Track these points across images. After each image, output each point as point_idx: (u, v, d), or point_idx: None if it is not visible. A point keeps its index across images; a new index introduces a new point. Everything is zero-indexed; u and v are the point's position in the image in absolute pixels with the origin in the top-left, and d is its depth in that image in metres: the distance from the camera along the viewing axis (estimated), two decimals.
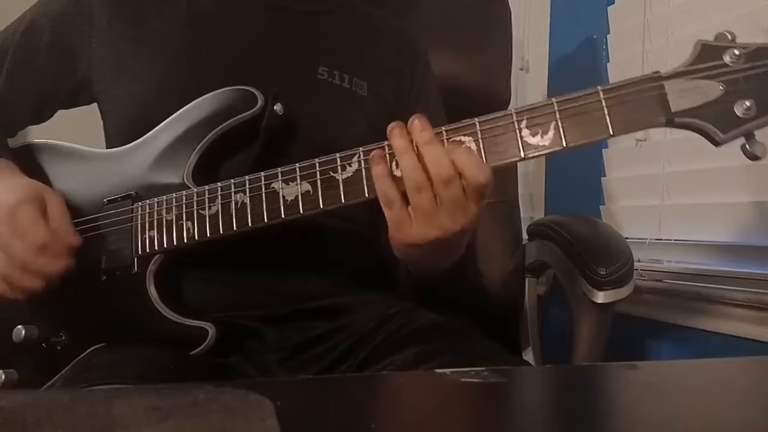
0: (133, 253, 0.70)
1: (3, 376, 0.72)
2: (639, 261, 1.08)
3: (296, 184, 0.64)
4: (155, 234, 0.70)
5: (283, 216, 0.65)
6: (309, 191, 0.64)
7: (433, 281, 0.76)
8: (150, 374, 0.61)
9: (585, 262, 0.91)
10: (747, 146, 0.56)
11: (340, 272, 0.76)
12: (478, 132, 0.60)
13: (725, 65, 0.55)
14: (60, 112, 0.86)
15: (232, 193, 0.67)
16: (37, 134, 0.85)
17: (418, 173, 0.58)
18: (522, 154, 0.59)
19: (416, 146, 0.59)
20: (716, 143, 0.57)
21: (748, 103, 0.55)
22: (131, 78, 0.77)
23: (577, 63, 1.45)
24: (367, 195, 0.62)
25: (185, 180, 0.70)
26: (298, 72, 0.79)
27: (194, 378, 0.64)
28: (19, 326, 0.71)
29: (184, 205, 0.69)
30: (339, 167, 0.63)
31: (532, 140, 0.59)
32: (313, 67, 0.79)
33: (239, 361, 0.72)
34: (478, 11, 1.21)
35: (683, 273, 1.03)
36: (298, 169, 0.65)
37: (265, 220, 0.65)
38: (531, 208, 1.60)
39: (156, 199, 0.71)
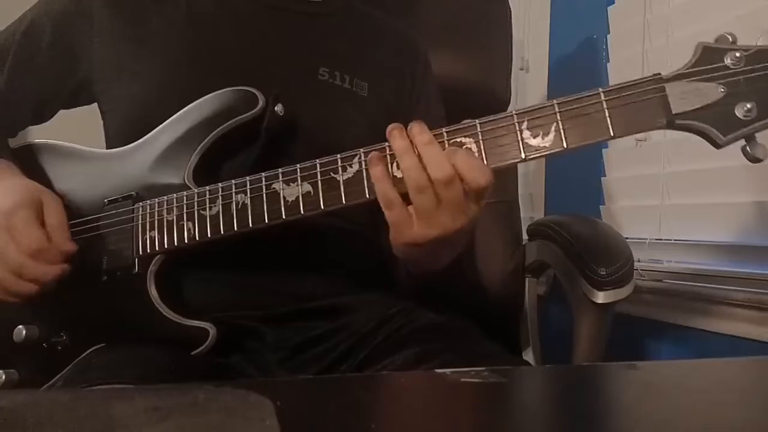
0: (134, 253, 0.71)
1: (3, 376, 0.72)
2: (639, 261, 1.08)
3: (297, 185, 0.64)
4: (156, 234, 0.70)
5: (283, 217, 0.65)
6: (310, 192, 0.64)
7: (432, 279, 0.76)
8: (150, 374, 0.61)
9: (585, 262, 0.91)
10: (748, 148, 0.56)
11: (340, 272, 0.76)
12: (479, 133, 0.60)
13: (726, 67, 0.55)
14: (60, 112, 0.86)
15: (233, 194, 0.67)
16: (37, 134, 0.85)
17: (419, 174, 0.58)
18: (523, 156, 0.59)
19: (416, 148, 0.59)
20: (717, 145, 0.57)
21: (749, 106, 0.55)
22: (131, 78, 0.77)
23: (577, 63, 1.45)
24: (368, 196, 0.62)
25: (186, 180, 0.70)
26: (298, 73, 0.79)
27: (195, 378, 0.64)
28: (20, 326, 0.71)
29: (184, 206, 0.69)
30: (340, 168, 0.63)
31: (533, 141, 0.59)
32: (314, 68, 0.79)
33: (239, 361, 0.72)
34: (478, 11, 1.21)
35: (683, 273, 1.03)
36: (299, 170, 0.65)
37: (266, 221, 0.65)
38: (531, 208, 1.60)
39: (157, 199, 0.71)
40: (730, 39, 0.56)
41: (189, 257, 0.70)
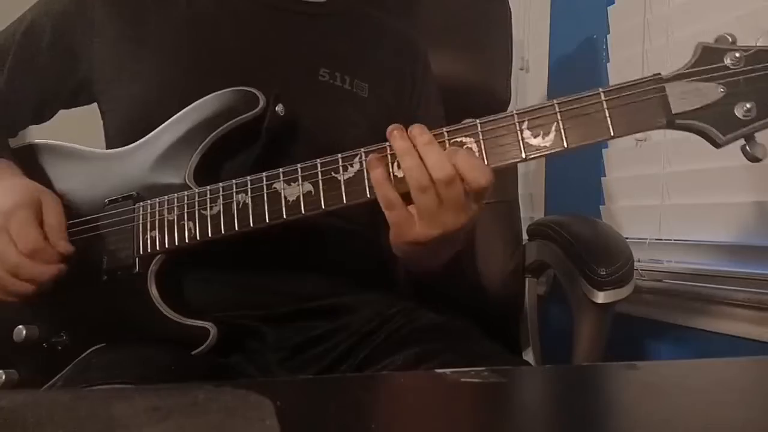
0: (135, 253, 0.71)
1: (3, 376, 0.72)
2: (639, 261, 1.08)
3: (298, 185, 0.64)
4: (156, 234, 0.70)
5: (284, 216, 0.65)
6: (311, 191, 0.64)
7: (431, 278, 0.76)
8: (150, 374, 0.61)
9: (585, 262, 0.91)
10: (747, 148, 0.56)
11: (340, 272, 0.76)
12: (480, 133, 0.60)
13: (726, 67, 0.56)
14: (60, 112, 0.86)
15: (234, 194, 0.67)
16: (37, 134, 0.85)
17: (421, 174, 0.58)
18: (523, 155, 0.59)
19: (417, 149, 0.59)
20: (717, 145, 0.57)
21: (748, 105, 0.55)
22: (131, 78, 0.77)
23: (577, 63, 1.45)
24: (368, 195, 0.62)
25: (186, 180, 0.71)
26: (299, 73, 0.79)
27: (195, 378, 0.64)
28: (20, 326, 0.71)
29: (185, 205, 0.69)
30: (341, 168, 0.63)
31: (533, 141, 0.59)
32: (315, 69, 0.79)
33: (240, 361, 0.72)
34: (478, 11, 1.21)
35: (683, 273, 1.03)
36: (299, 170, 0.65)
37: (267, 221, 0.65)
38: (531, 208, 1.60)
39: (157, 199, 0.71)
40: (730, 39, 0.56)
41: (190, 257, 0.70)
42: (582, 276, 0.91)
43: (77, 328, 0.72)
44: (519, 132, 0.59)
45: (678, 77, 0.57)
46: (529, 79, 1.67)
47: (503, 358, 0.70)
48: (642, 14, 1.18)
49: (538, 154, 0.59)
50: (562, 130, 0.58)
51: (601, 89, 0.58)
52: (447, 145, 0.60)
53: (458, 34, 1.18)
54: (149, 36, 0.78)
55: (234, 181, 0.67)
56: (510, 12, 1.22)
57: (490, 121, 0.60)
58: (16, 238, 0.66)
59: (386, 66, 0.86)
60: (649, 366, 0.57)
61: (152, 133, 0.74)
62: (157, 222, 0.70)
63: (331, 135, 0.77)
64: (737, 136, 0.56)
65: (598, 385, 0.48)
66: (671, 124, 0.57)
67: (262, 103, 0.71)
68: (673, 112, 0.56)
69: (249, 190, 0.66)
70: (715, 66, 0.56)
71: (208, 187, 0.68)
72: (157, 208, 0.70)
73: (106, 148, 0.81)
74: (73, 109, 0.85)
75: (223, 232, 0.67)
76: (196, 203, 0.68)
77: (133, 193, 0.72)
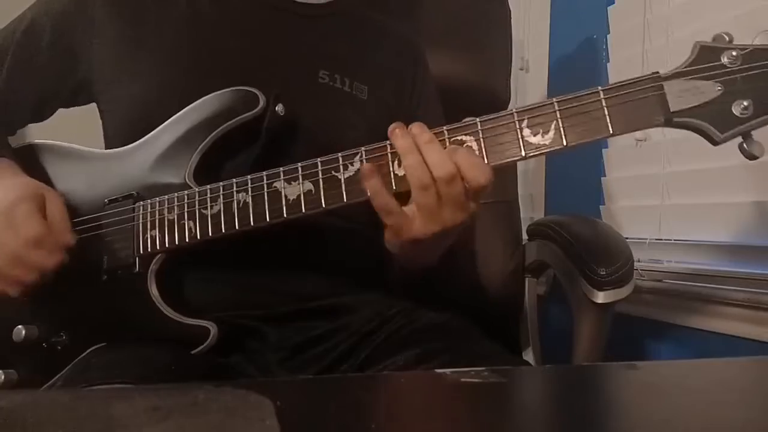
0: (135, 252, 0.71)
1: (3, 376, 0.72)
2: (639, 261, 1.08)
3: (298, 184, 0.64)
4: (157, 233, 0.70)
5: (285, 215, 0.65)
6: (311, 190, 0.64)
7: (426, 273, 0.76)
8: (150, 374, 0.61)
9: (585, 262, 0.91)
10: (745, 145, 0.57)
11: (340, 272, 0.76)
12: (480, 131, 0.60)
13: (723, 66, 0.56)
14: (60, 112, 0.86)
15: (234, 193, 0.67)
16: (37, 134, 0.85)
17: (423, 172, 0.58)
18: (523, 153, 0.59)
19: (418, 147, 0.59)
20: (714, 143, 0.57)
21: (745, 103, 0.55)
22: (131, 78, 0.77)
23: (577, 63, 1.45)
24: (369, 194, 0.62)
25: (187, 180, 0.70)
26: (298, 74, 0.79)
27: (195, 378, 0.64)
28: (19, 326, 0.71)
29: (185, 205, 0.69)
30: (341, 166, 0.63)
31: (533, 139, 0.59)
32: (314, 71, 0.79)
33: (240, 360, 0.72)
34: (478, 11, 1.21)
35: (683, 273, 1.03)
36: (300, 169, 0.65)
37: (267, 220, 0.65)
38: (531, 208, 1.60)
39: (157, 198, 0.71)
40: (727, 38, 0.57)
41: (190, 256, 0.70)
42: (582, 276, 0.91)
43: (77, 328, 0.72)
44: (519, 130, 0.59)
45: (676, 75, 0.57)
46: (529, 79, 1.67)
47: (503, 358, 0.70)
48: (642, 14, 1.18)
49: (537, 152, 0.59)
50: (562, 129, 0.58)
51: (600, 88, 0.58)
52: (447, 144, 0.60)
53: (458, 34, 1.18)
54: (149, 36, 0.78)
55: (234, 180, 0.67)
56: (510, 12, 1.22)
57: (489, 119, 0.60)
58: (20, 227, 0.66)
59: (386, 67, 0.86)
60: (649, 366, 0.57)
61: (152, 132, 0.74)
62: (157, 221, 0.70)
63: (330, 136, 0.77)
64: (735, 134, 0.56)
65: (598, 385, 0.48)
66: (669, 122, 0.57)
67: (262, 103, 0.71)
68: (671, 110, 0.57)
69: (249, 189, 0.66)
70: (712, 64, 0.56)
71: (208, 187, 0.68)
72: (157, 208, 0.70)
73: (105, 148, 0.80)
74: (73, 109, 0.85)
75: (223, 231, 0.67)
76: (197, 202, 0.68)
77: (133, 192, 0.72)
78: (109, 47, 0.78)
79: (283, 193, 0.65)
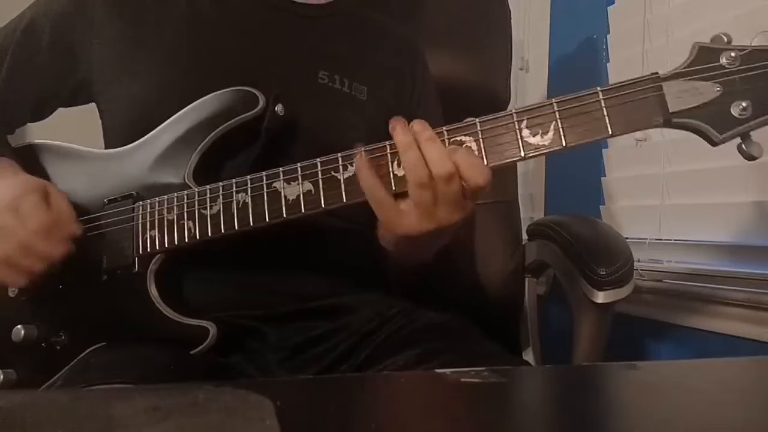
0: (134, 252, 0.70)
1: (2, 376, 0.72)
2: (639, 261, 1.08)
3: (298, 184, 0.64)
4: (156, 233, 0.70)
5: (284, 215, 0.65)
6: (311, 191, 0.64)
7: (422, 271, 0.76)
8: (150, 374, 0.61)
9: (585, 262, 0.91)
10: (743, 146, 0.57)
11: (340, 272, 0.76)
12: (479, 132, 0.60)
13: (722, 67, 0.56)
14: (59, 112, 0.86)
15: (234, 193, 0.67)
16: (36, 134, 0.85)
17: (422, 169, 0.58)
18: (522, 154, 0.59)
19: (418, 144, 0.59)
20: (713, 143, 0.57)
21: (744, 104, 0.55)
22: (131, 78, 0.77)
23: (577, 63, 1.45)
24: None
25: (186, 180, 0.70)
26: (298, 75, 0.79)
27: (194, 378, 0.64)
28: (19, 326, 0.71)
29: (185, 205, 0.69)
30: (340, 167, 0.63)
31: (532, 140, 0.59)
32: (314, 71, 0.79)
33: (240, 360, 0.72)
34: (478, 11, 1.21)
35: (683, 273, 1.03)
36: (299, 169, 0.65)
37: (267, 220, 0.65)
38: (531, 208, 1.60)
39: (157, 198, 0.71)
40: (726, 39, 0.57)
41: (189, 256, 0.70)
42: (582, 276, 0.91)
43: (76, 328, 0.72)
44: (518, 131, 0.59)
45: (675, 76, 0.57)
46: (529, 79, 1.67)
47: (503, 358, 0.70)
48: (642, 14, 1.18)
49: (536, 153, 0.59)
50: (561, 129, 0.58)
51: (599, 88, 0.58)
52: (446, 144, 0.60)
53: (458, 34, 1.18)
54: (149, 36, 0.78)
55: (234, 180, 0.67)
56: (510, 12, 1.22)
57: (489, 120, 0.60)
58: (27, 218, 0.67)
59: (386, 67, 0.86)
60: (649, 366, 0.57)
61: (152, 132, 0.74)
62: (156, 221, 0.70)
63: (330, 136, 0.77)
64: (733, 135, 0.56)
65: (598, 385, 0.48)
66: (668, 123, 0.57)
67: (261, 103, 0.71)
68: (670, 110, 0.57)
69: (249, 189, 0.66)
70: (711, 65, 0.56)
71: (207, 187, 0.68)
72: (156, 208, 0.70)
73: (105, 148, 0.81)
74: (72, 108, 0.85)
75: (222, 231, 0.67)
76: (196, 203, 0.68)
77: (133, 192, 0.72)
78: (108, 47, 0.78)
79: (282, 194, 0.65)
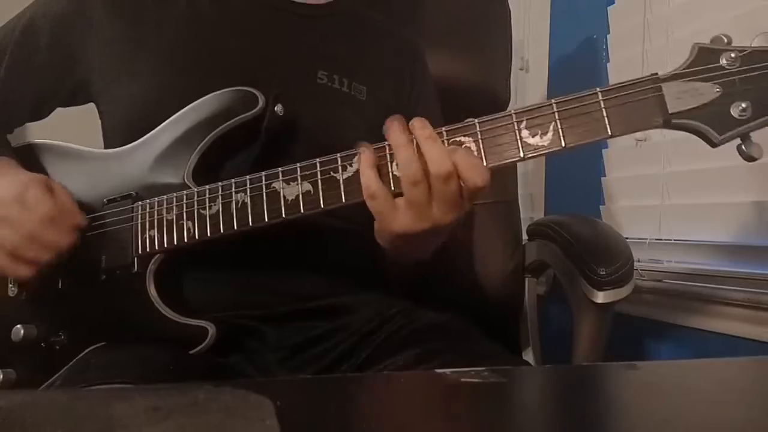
0: (133, 252, 0.70)
1: (1, 376, 0.72)
2: (639, 261, 1.08)
3: (297, 184, 0.64)
4: (155, 233, 0.70)
5: (283, 215, 0.65)
6: (310, 191, 0.64)
7: (419, 270, 0.76)
8: (149, 374, 0.61)
9: (585, 262, 0.91)
10: (743, 147, 0.57)
11: (339, 272, 0.76)
12: (478, 132, 0.60)
13: (722, 67, 0.56)
14: (59, 112, 0.86)
15: (233, 193, 0.67)
16: (36, 133, 0.85)
17: (416, 167, 0.58)
18: (521, 155, 0.59)
19: (417, 143, 0.59)
20: (713, 144, 0.57)
21: (744, 105, 0.55)
22: (131, 79, 0.77)
23: (577, 63, 1.45)
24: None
25: (186, 180, 0.70)
26: (297, 75, 0.79)
27: (194, 378, 0.64)
28: (18, 325, 0.71)
29: (184, 205, 0.69)
30: (340, 167, 0.63)
31: (531, 141, 0.59)
32: (313, 71, 0.79)
33: (239, 360, 0.72)
34: (478, 11, 1.21)
35: (683, 273, 1.03)
36: (298, 169, 0.65)
37: (266, 220, 0.65)
38: (531, 208, 1.60)
39: (156, 198, 0.71)
40: (725, 40, 0.57)
41: (188, 256, 0.70)
42: (582, 276, 0.91)
43: (76, 328, 0.71)
44: (517, 131, 0.59)
45: (674, 77, 0.57)
46: (529, 79, 1.67)
47: (503, 358, 0.70)
48: (642, 14, 1.18)
49: (536, 154, 0.59)
50: (560, 130, 0.58)
51: (598, 89, 0.58)
52: (446, 144, 0.60)
53: (458, 34, 1.18)
54: (149, 36, 0.78)
55: (233, 180, 0.67)
56: (510, 12, 1.22)
57: (488, 120, 0.60)
58: (32, 207, 0.67)
59: (385, 67, 0.86)
60: (649, 366, 0.57)
61: (151, 132, 0.74)
62: (156, 221, 0.70)
63: (330, 136, 0.77)
64: (733, 136, 0.56)
65: (598, 385, 0.48)
66: (668, 124, 0.57)
67: (261, 103, 0.71)
68: (670, 111, 0.56)
69: (248, 189, 0.66)
70: (711, 66, 0.56)
71: (207, 187, 0.68)
72: (156, 208, 0.70)
73: (105, 148, 0.80)
74: (71, 108, 0.85)
75: (222, 231, 0.67)
76: (195, 203, 0.68)
77: (132, 192, 0.72)
78: (108, 48, 0.78)
79: (281, 194, 0.65)
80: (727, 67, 0.56)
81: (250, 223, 0.66)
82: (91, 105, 0.83)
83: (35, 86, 0.82)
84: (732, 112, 0.56)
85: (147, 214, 0.71)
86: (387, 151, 0.61)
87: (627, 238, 0.97)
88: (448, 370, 0.46)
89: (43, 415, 0.38)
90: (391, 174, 0.61)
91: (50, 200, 0.68)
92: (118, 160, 0.76)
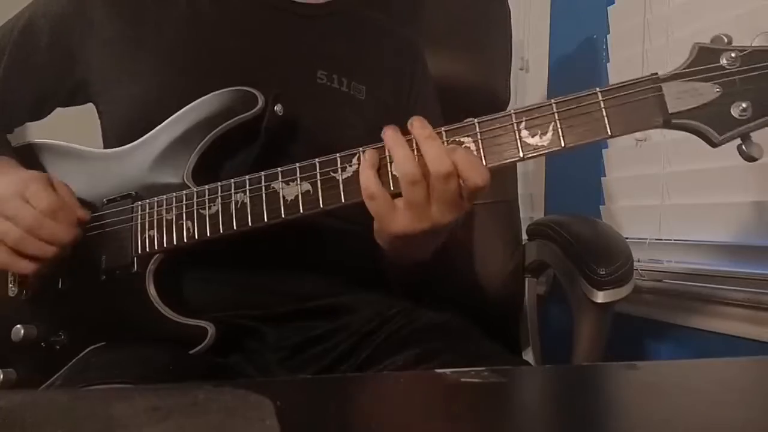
0: (133, 252, 0.70)
1: (2, 376, 0.72)
2: (639, 261, 1.08)
3: (296, 184, 0.64)
4: (155, 233, 0.70)
5: (283, 216, 0.65)
6: (309, 191, 0.64)
7: (419, 270, 0.75)
8: (149, 374, 0.61)
9: (585, 262, 0.91)
10: (743, 147, 0.57)
11: (338, 272, 0.76)
12: (478, 133, 0.60)
13: (722, 67, 0.56)
14: (58, 112, 0.86)
15: (233, 193, 0.67)
16: (36, 133, 0.85)
17: (412, 166, 0.58)
18: (521, 155, 0.59)
19: (416, 143, 0.59)
20: (713, 144, 0.57)
21: (744, 105, 0.55)
22: (131, 79, 0.77)
23: (577, 63, 1.45)
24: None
25: (185, 180, 0.70)
26: (297, 74, 0.79)
27: (194, 378, 0.64)
28: (18, 325, 0.71)
29: (184, 205, 0.69)
30: (339, 167, 0.63)
31: (531, 141, 0.59)
32: (313, 71, 0.79)
33: (239, 360, 0.72)
34: (478, 11, 1.21)
35: (683, 273, 1.03)
36: (298, 169, 0.65)
37: (265, 220, 0.65)
38: (531, 208, 1.60)
39: (156, 198, 0.71)
40: (726, 40, 0.57)
41: (188, 256, 0.70)
42: (581, 276, 0.91)
43: (76, 328, 0.71)
44: (517, 131, 0.59)
45: (674, 77, 0.57)
46: (529, 79, 1.67)
47: (503, 358, 0.70)
48: (642, 14, 1.18)
49: (535, 154, 0.59)
50: (560, 130, 0.58)
51: (598, 89, 0.58)
52: (445, 144, 0.60)
53: (458, 34, 1.18)
54: (149, 36, 0.78)
55: (232, 180, 0.67)
56: (509, 12, 1.22)
57: (487, 120, 0.60)
58: (34, 200, 0.66)
59: (384, 66, 0.86)
60: (649, 366, 0.57)
61: (151, 132, 0.74)
62: (155, 221, 0.70)
63: (329, 136, 0.77)
64: (733, 136, 0.56)
65: (598, 385, 0.48)
66: (668, 124, 0.57)
67: (260, 102, 0.71)
68: (670, 111, 0.56)
69: (247, 189, 0.66)
70: (711, 66, 0.56)
71: (206, 187, 0.68)
72: (155, 208, 0.70)
73: (104, 148, 0.80)
74: (71, 108, 0.85)
75: (221, 231, 0.67)
76: (195, 203, 0.68)
77: (132, 192, 0.72)
78: (108, 48, 0.78)
79: (281, 194, 0.65)
80: (727, 66, 0.56)
81: (250, 223, 0.66)
82: (91, 105, 0.83)
83: (34, 86, 0.82)
84: (732, 112, 0.55)
85: (147, 214, 0.71)
86: (387, 152, 0.61)
87: (627, 238, 0.97)
88: (448, 370, 0.46)
89: (43, 415, 0.38)
90: (390, 174, 0.61)
91: (51, 194, 0.67)
92: (118, 160, 0.76)
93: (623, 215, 1.24)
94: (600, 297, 0.89)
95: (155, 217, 0.70)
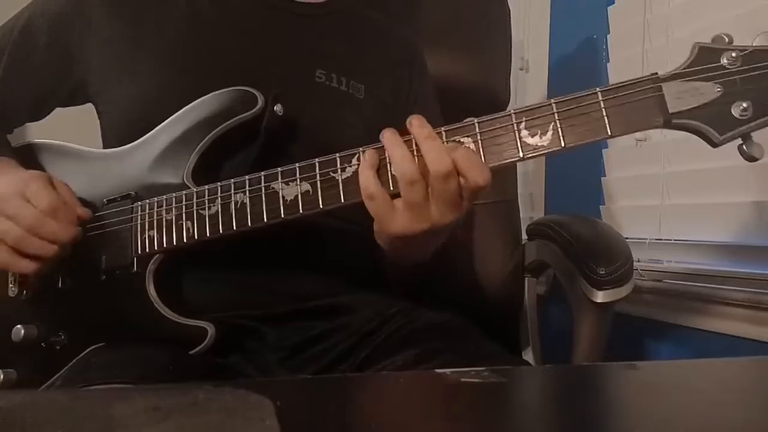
0: (133, 252, 0.70)
1: (2, 376, 0.72)
2: (639, 261, 1.08)
3: (296, 184, 0.64)
4: (155, 234, 0.70)
5: (282, 216, 0.65)
6: (309, 191, 0.64)
7: (420, 271, 0.75)
8: (149, 374, 0.61)
9: (585, 262, 0.91)
10: (744, 147, 0.57)
11: (338, 272, 0.76)
12: (477, 133, 0.60)
13: (722, 67, 0.56)
14: (58, 112, 0.86)
15: (232, 193, 0.67)
16: (35, 133, 0.85)
17: (410, 165, 0.58)
18: (521, 155, 0.59)
19: (416, 142, 0.59)
20: (713, 144, 0.57)
21: (745, 105, 0.55)
22: (131, 79, 0.77)
23: (577, 63, 1.45)
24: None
25: (185, 180, 0.70)
26: (296, 74, 0.79)
27: (193, 378, 0.64)
28: (18, 326, 0.71)
29: (183, 205, 0.69)
30: (339, 168, 0.63)
31: (530, 141, 0.59)
32: (311, 70, 0.79)
33: (239, 360, 0.72)
34: (478, 11, 1.21)
35: (683, 273, 1.03)
36: (297, 170, 0.65)
37: (265, 220, 0.65)
38: (531, 208, 1.60)
39: (156, 198, 0.71)
40: (726, 39, 0.57)
41: (188, 256, 0.70)
42: (581, 275, 0.91)
43: (76, 328, 0.72)
44: (516, 131, 0.59)
45: (675, 77, 0.57)
46: (529, 79, 1.67)
47: (503, 358, 0.70)
48: (642, 14, 1.18)
49: (535, 154, 0.59)
50: (560, 130, 0.58)
51: (598, 89, 0.58)
52: (445, 144, 0.60)
53: (458, 34, 1.18)
54: (149, 36, 0.78)
55: (232, 180, 0.67)
56: (509, 12, 1.22)
57: (487, 120, 0.60)
58: (34, 199, 0.66)
59: (383, 66, 0.86)
60: (649, 366, 0.57)
61: (151, 132, 0.74)
62: (155, 221, 0.70)
63: (329, 135, 0.77)
64: (734, 136, 0.56)
65: (598, 385, 0.48)
66: (668, 124, 0.57)
67: (260, 102, 0.71)
68: (670, 111, 0.56)
69: (247, 190, 0.66)
70: (711, 66, 0.56)
71: (206, 187, 0.68)
72: (155, 208, 0.70)
73: (104, 148, 0.80)
74: (70, 108, 0.85)
75: (221, 231, 0.67)
76: (195, 203, 0.68)
77: (132, 192, 0.72)
78: (107, 47, 0.78)
79: (280, 194, 0.65)
80: (728, 66, 0.55)
81: (249, 224, 0.66)
82: (91, 105, 0.83)
83: (33, 86, 0.82)
84: (733, 112, 0.55)
85: (146, 214, 0.71)
86: (386, 153, 0.61)
87: (627, 238, 0.97)
88: (448, 370, 0.46)
89: (43, 415, 0.38)
90: (390, 174, 0.61)
91: (52, 193, 0.68)
92: (118, 160, 0.76)
93: (623, 215, 1.24)
94: (600, 297, 0.89)
95: (155, 217, 0.70)
